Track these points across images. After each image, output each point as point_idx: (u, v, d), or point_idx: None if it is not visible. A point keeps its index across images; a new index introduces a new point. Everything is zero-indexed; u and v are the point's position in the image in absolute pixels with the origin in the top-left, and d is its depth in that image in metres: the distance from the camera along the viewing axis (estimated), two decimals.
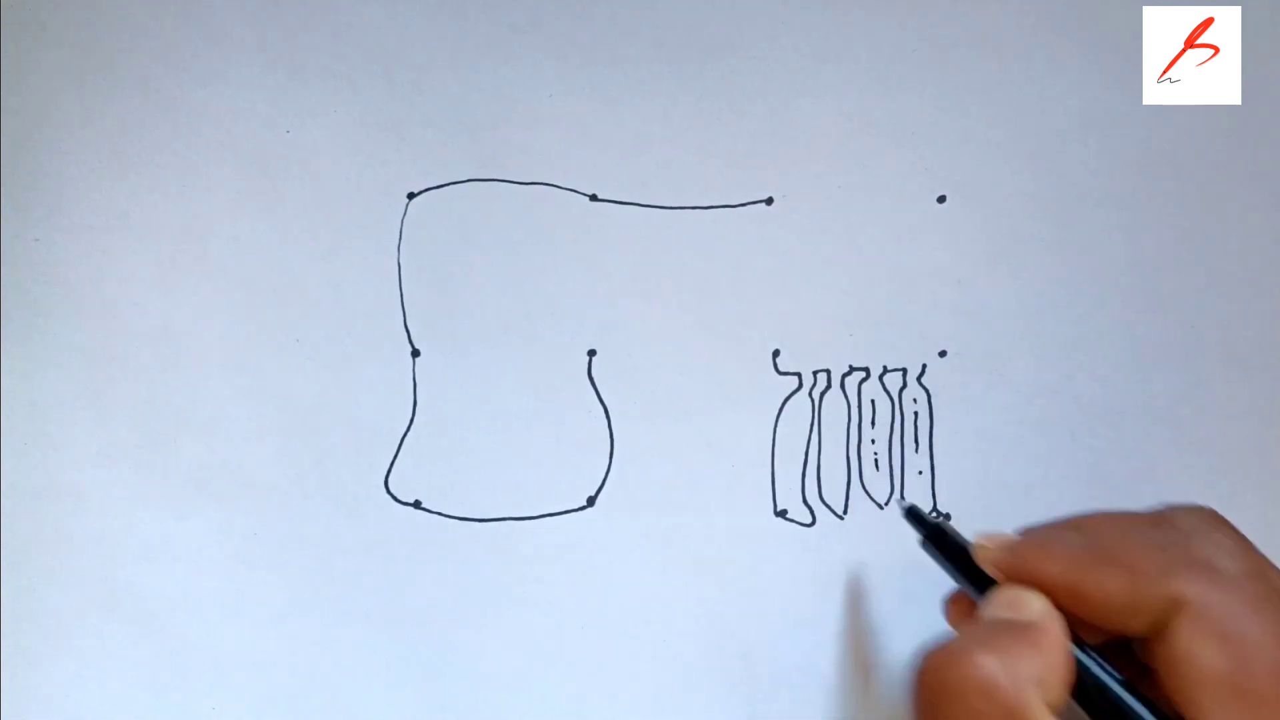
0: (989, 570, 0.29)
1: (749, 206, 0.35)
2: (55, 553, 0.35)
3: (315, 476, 0.35)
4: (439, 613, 0.35)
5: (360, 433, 0.35)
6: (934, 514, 0.35)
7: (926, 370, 0.35)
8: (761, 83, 0.34)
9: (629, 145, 0.35)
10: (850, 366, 0.35)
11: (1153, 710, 0.26)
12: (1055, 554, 0.28)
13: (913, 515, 0.33)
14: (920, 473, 0.35)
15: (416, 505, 0.35)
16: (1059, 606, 0.27)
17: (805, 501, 0.35)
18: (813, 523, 0.35)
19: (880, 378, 0.35)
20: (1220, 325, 0.35)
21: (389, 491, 0.35)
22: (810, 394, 0.35)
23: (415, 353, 0.35)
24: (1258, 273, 0.35)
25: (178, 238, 0.35)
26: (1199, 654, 0.25)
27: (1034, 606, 0.27)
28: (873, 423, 0.35)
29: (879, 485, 0.35)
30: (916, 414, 0.35)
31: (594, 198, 0.35)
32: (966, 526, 0.35)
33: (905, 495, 0.35)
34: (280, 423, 0.35)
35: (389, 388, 0.35)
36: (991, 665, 0.25)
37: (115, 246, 0.34)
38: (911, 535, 0.33)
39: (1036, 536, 0.29)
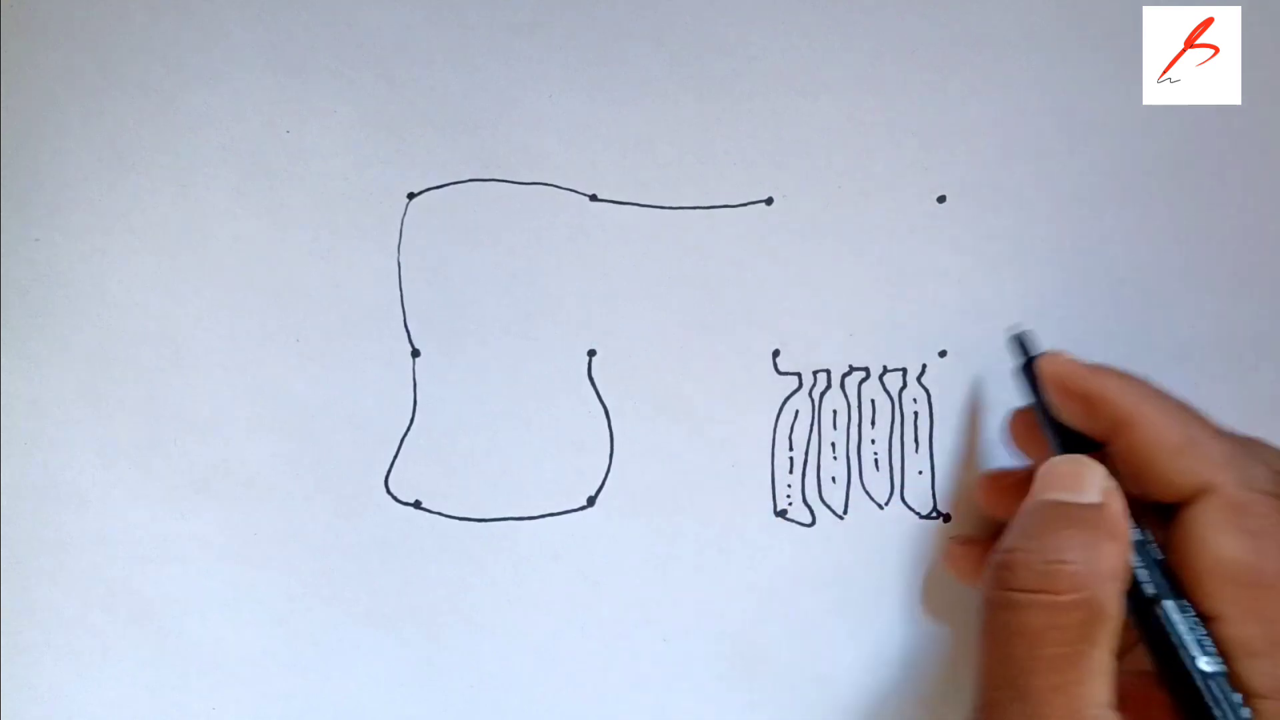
0: (1052, 383, 0.29)
1: (749, 206, 0.35)
2: (55, 553, 0.35)
3: (315, 476, 0.35)
4: (439, 613, 0.35)
5: (360, 433, 0.35)
6: (934, 514, 0.35)
7: (926, 370, 0.35)
8: (761, 83, 0.34)
9: (629, 145, 0.35)
10: (850, 366, 0.35)
11: (1168, 583, 0.26)
12: (1130, 384, 0.28)
13: (1019, 341, 0.32)
14: (920, 473, 0.35)
15: (416, 505, 0.35)
16: (1108, 438, 0.27)
17: (805, 501, 0.35)
18: (813, 523, 0.35)
19: (880, 378, 0.35)
20: (1220, 325, 0.35)
21: (389, 491, 0.35)
22: (810, 394, 0.35)
23: (415, 353, 0.35)
24: (1258, 273, 0.35)
25: (178, 238, 0.34)
26: (1215, 538, 0.26)
27: (1095, 484, 0.27)
28: (873, 423, 0.35)
29: (879, 485, 0.35)
30: (916, 414, 0.35)
31: (594, 198, 0.35)
32: (966, 526, 0.35)
33: (905, 495, 0.35)
34: (280, 423, 0.35)
35: (389, 388, 0.35)
36: (1068, 555, 0.25)
37: (115, 246, 0.34)
38: (913, 536, 0.33)
39: (1103, 367, 0.29)
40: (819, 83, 0.35)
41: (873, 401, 0.35)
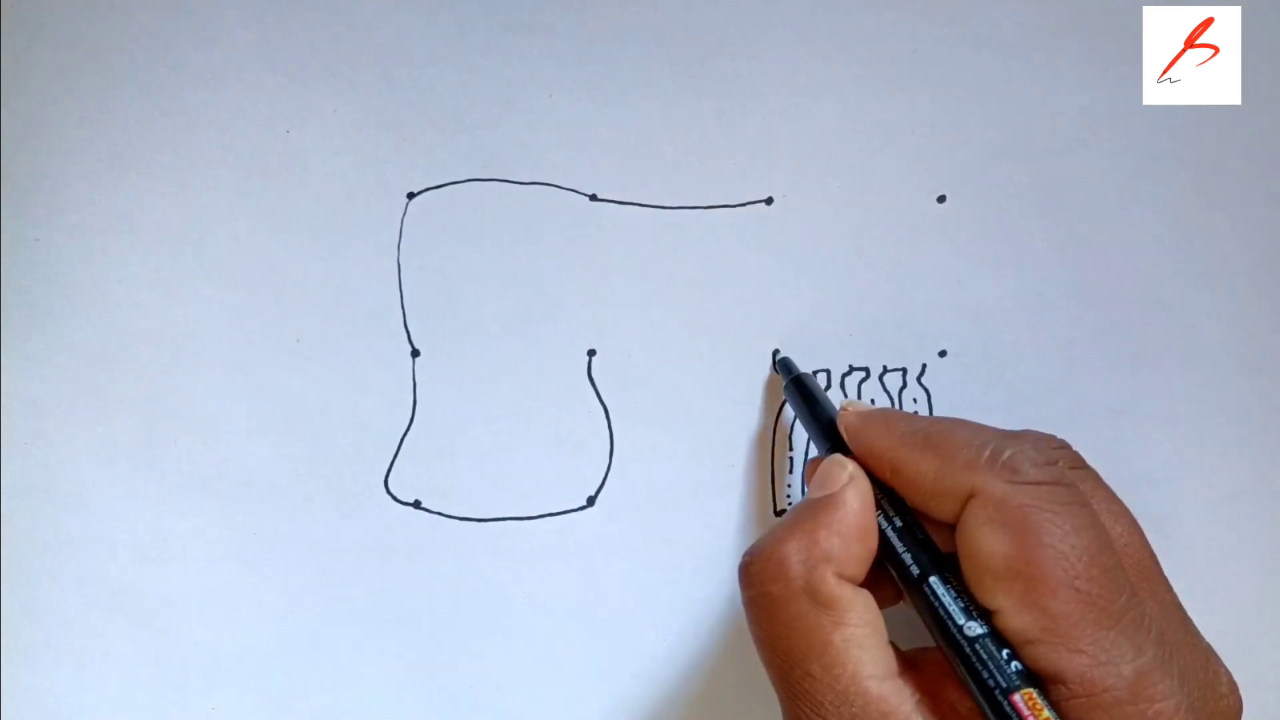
0: (842, 431, 0.30)
1: (749, 206, 0.35)
2: (55, 553, 0.35)
3: (315, 476, 0.35)
4: (439, 613, 0.35)
5: (360, 433, 0.35)
6: None
7: (926, 370, 0.35)
8: (761, 83, 0.34)
9: (629, 145, 0.35)
10: (850, 366, 0.35)
11: (931, 562, 0.28)
12: (890, 430, 0.29)
13: (783, 366, 0.34)
14: None
15: (416, 505, 0.35)
16: (888, 483, 0.29)
17: None
18: None
19: (880, 378, 0.35)
20: (1220, 325, 0.35)
21: (389, 491, 0.35)
22: None
23: (415, 353, 0.35)
24: (1258, 273, 0.35)
25: (178, 238, 0.35)
26: (979, 539, 0.27)
27: (839, 478, 0.29)
28: None
29: None
30: (916, 414, 0.35)
31: (594, 198, 0.35)
32: None
33: None
34: (280, 423, 0.35)
35: (389, 388, 0.35)
36: (787, 552, 0.27)
37: (115, 246, 0.34)
38: None
39: (887, 412, 0.31)
40: (819, 83, 0.35)
41: (873, 401, 0.35)
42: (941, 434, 0.29)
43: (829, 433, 0.31)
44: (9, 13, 0.34)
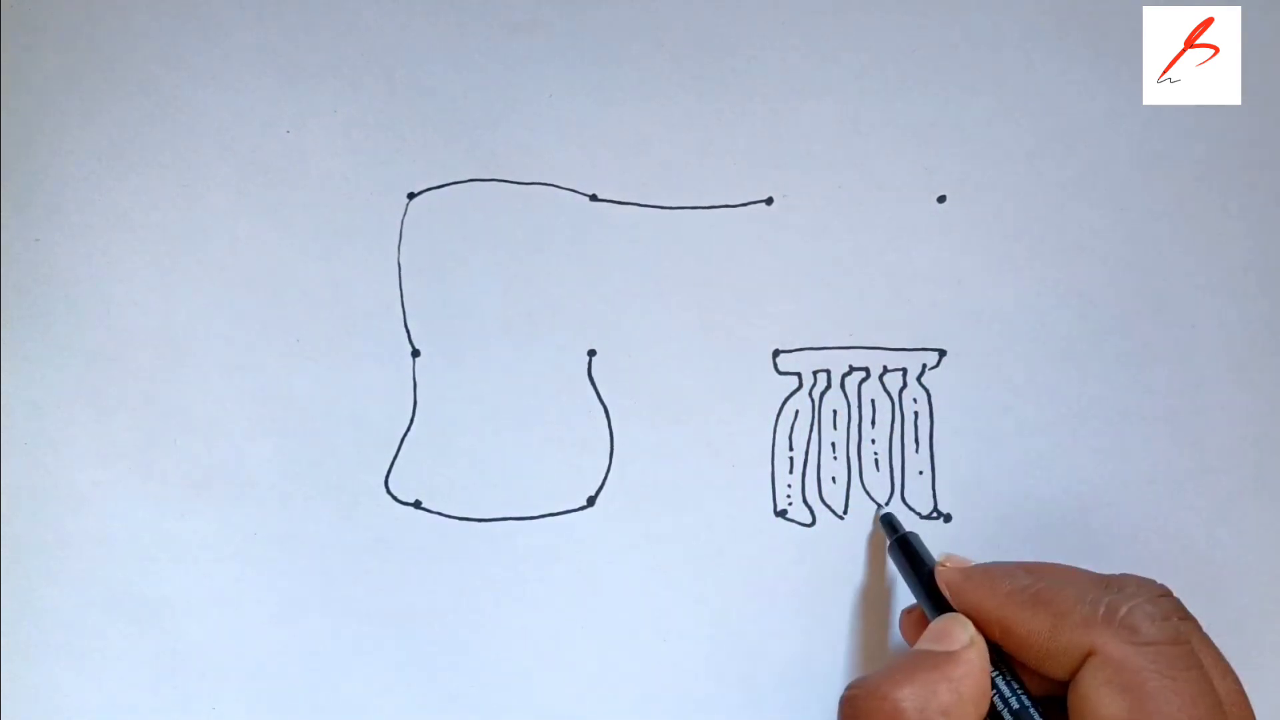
0: (942, 588, 0.31)
1: (749, 206, 0.35)
2: (55, 553, 0.35)
3: (315, 476, 0.35)
4: (439, 612, 0.35)
5: (360, 433, 0.35)
6: (934, 514, 0.35)
7: (926, 370, 0.35)
8: (761, 83, 0.34)
9: (629, 145, 0.35)
10: (850, 366, 0.35)
11: None
12: (997, 588, 0.29)
13: (886, 522, 0.34)
14: (920, 473, 0.35)
15: (416, 505, 0.35)
16: (997, 641, 0.29)
17: (805, 501, 0.35)
18: (813, 523, 0.35)
19: (880, 378, 0.35)
20: (1220, 325, 0.35)
21: (389, 491, 0.35)
22: (810, 394, 0.35)
23: (415, 353, 0.35)
24: (1258, 273, 0.35)
25: (178, 238, 0.35)
26: (1098, 699, 0.27)
27: (959, 638, 0.29)
28: (873, 423, 0.35)
29: (879, 485, 0.35)
30: (916, 414, 0.35)
31: (594, 198, 0.35)
32: (966, 526, 0.35)
33: (905, 495, 0.35)
34: (280, 423, 0.35)
35: (389, 388, 0.35)
36: (902, 697, 0.27)
37: (115, 246, 0.35)
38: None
39: (989, 568, 0.31)
40: (819, 83, 0.35)
41: (873, 401, 0.35)
42: (1051, 591, 0.28)
43: (938, 596, 0.31)
44: (9, 13, 0.34)
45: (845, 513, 0.35)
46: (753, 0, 0.34)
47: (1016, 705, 0.28)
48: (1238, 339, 0.35)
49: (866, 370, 0.35)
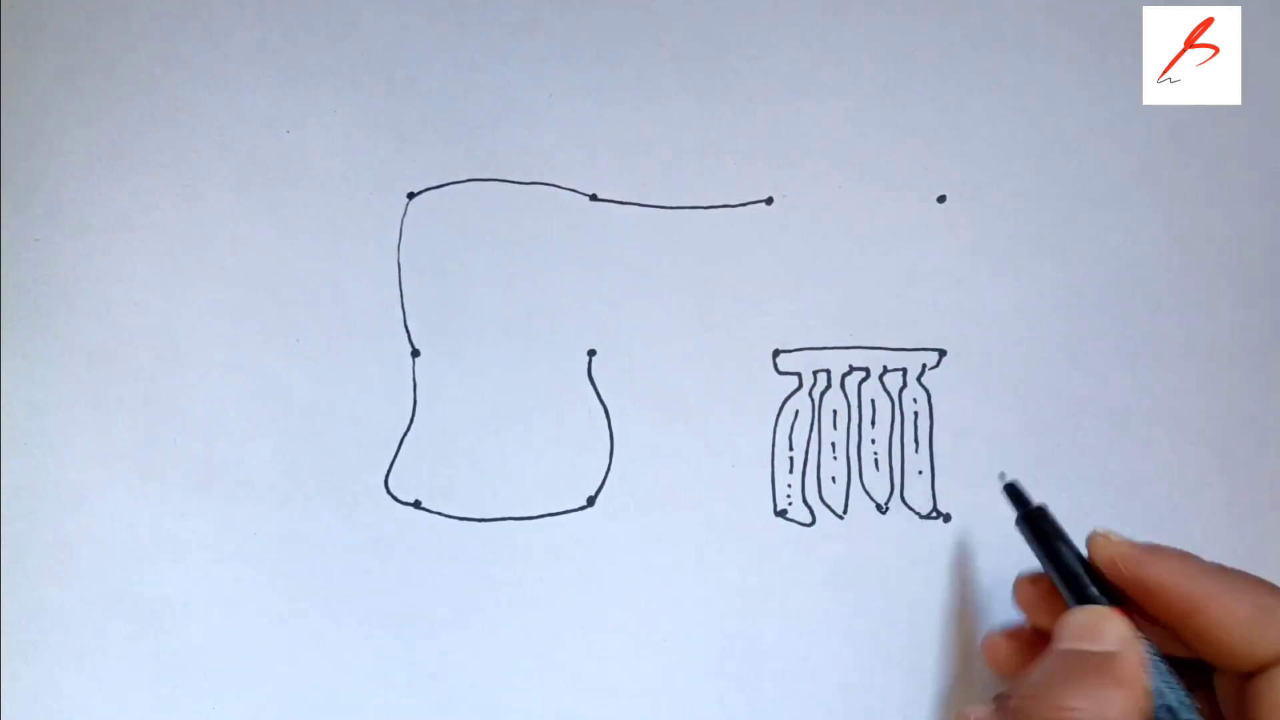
0: (1106, 562, 0.28)
1: (749, 206, 0.35)
2: (55, 553, 0.35)
3: (315, 476, 0.35)
4: (439, 613, 0.35)
5: (360, 433, 0.35)
6: (933, 514, 0.35)
7: (926, 370, 0.35)
8: (761, 83, 0.34)
9: (629, 145, 0.35)
10: (850, 366, 0.35)
11: None
12: (1186, 565, 0.27)
13: (1012, 491, 0.32)
14: (920, 473, 0.35)
15: (416, 505, 0.35)
16: (1173, 623, 0.27)
17: (805, 501, 0.35)
18: (813, 523, 0.35)
19: (880, 378, 0.35)
20: (1220, 325, 0.35)
21: (389, 491, 0.35)
22: (810, 394, 0.35)
23: (415, 353, 0.35)
24: (1258, 273, 0.35)
25: (178, 238, 0.35)
26: None
27: (1112, 634, 0.27)
28: (873, 423, 0.35)
29: (879, 485, 0.35)
30: (916, 414, 0.35)
31: (594, 198, 0.35)
32: (966, 526, 0.35)
33: (905, 495, 0.35)
34: (280, 423, 0.35)
35: (389, 388, 0.35)
36: (1079, 708, 0.25)
37: (115, 246, 0.35)
38: (913, 536, 0.33)
39: (1157, 547, 0.28)
40: (819, 83, 0.35)
41: (873, 401, 0.35)
42: (1252, 578, 0.27)
43: (1075, 575, 0.29)
44: (9, 13, 0.34)
45: (845, 513, 0.35)
46: (753, 0, 0.34)
47: (1174, 702, 0.27)
48: (1238, 339, 0.35)
49: (866, 370, 0.35)
